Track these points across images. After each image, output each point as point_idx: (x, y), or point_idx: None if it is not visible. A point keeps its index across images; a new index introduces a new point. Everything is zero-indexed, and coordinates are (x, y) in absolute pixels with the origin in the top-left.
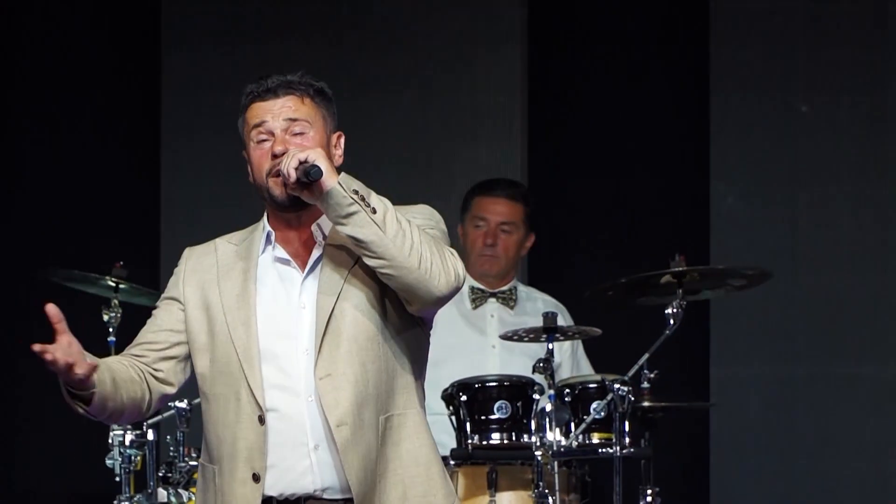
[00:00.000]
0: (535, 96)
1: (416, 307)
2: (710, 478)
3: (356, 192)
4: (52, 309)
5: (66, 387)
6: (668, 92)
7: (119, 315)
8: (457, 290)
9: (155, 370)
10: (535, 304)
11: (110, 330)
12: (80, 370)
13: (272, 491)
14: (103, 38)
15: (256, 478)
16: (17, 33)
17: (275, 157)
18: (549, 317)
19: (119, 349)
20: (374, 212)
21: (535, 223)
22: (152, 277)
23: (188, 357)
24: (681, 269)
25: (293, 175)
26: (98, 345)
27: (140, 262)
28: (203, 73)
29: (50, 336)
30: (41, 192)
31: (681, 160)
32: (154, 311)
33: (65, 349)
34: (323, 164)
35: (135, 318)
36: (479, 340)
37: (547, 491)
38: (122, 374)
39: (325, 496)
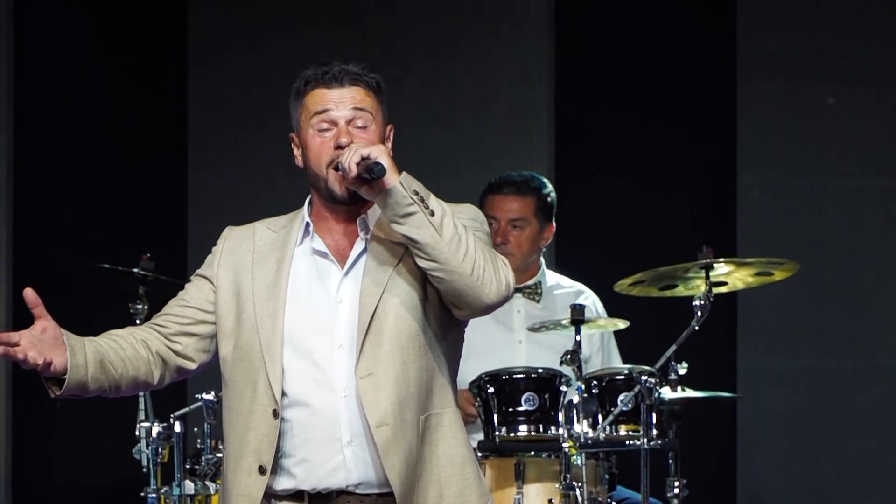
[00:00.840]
0: (561, 88)
1: (465, 312)
2: (738, 470)
3: (416, 193)
4: (29, 293)
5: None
6: (694, 83)
7: (146, 307)
8: (506, 299)
9: (173, 342)
10: (565, 295)
11: (137, 322)
12: (38, 360)
13: (304, 485)
14: (131, 32)
15: (262, 470)
16: (51, 34)
17: (339, 148)
18: (577, 309)
19: None
20: (433, 214)
21: (552, 212)
22: (180, 269)
23: (212, 337)
24: (708, 260)
25: (354, 170)
26: None
27: (167, 254)
28: (230, 67)
29: (70, 328)
30: (69, 186)
31: (708, 152)
32: (186, 285)
33: (35, 335)
34: (385, 162)
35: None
36: (505, 336)
37: (574, 483)
38: (120, 353)
39: (357, 491)
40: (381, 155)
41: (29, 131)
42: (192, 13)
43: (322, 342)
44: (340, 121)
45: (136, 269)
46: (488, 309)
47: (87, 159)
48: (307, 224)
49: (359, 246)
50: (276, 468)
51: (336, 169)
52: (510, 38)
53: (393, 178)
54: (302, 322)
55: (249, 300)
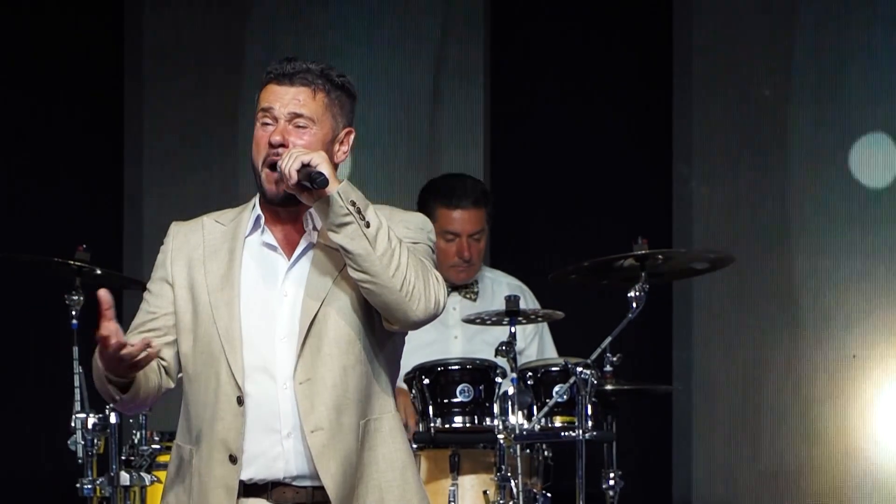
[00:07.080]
0: (496, 81)
1: (394, 326)
2: (672, 461)
3: (353, 204)
4: (104, 295)
5: (107, 372)
6: (630, 74)
7: (82, 298)
8: (434, 317)
9: (161, 359)
10: (500, 290)
11: (73, 313)
12: (148, 356)
13: (243, 475)
14: (67, 17)
15: (233, 459)
16: None
17: (271, 146)
18: (511, 300)
19: (81, 333)
20: (368, 226)
21: (496, 212)
22: (115, 260)
23: None
24: (643, 252)
25: (294, 177)
26: (61, 328)
27: (102, 244)
28: (166, 56)
29: (7, 319)
30: (2, 176)
31: (643, 143)
32: (146, 295)
33: (116, 335)
34: (326, 170)
35: (97, 302)
36: (441, 331)
37: (509, 474)
38: (151, 364)
39: (294, 483)
40: (322, 163)
41: None
42: (128, 4)
43: (266, 333)
44: (280, 119)
45: (71, 261)
46: (415, 325)
47: (21, 149)
48: (258, 216)
49: (304, 241)
50: None
51: (272, 169)
52: (445, 35)
53: (332, 187)
54: (251, 312)
55: (203, 292)
